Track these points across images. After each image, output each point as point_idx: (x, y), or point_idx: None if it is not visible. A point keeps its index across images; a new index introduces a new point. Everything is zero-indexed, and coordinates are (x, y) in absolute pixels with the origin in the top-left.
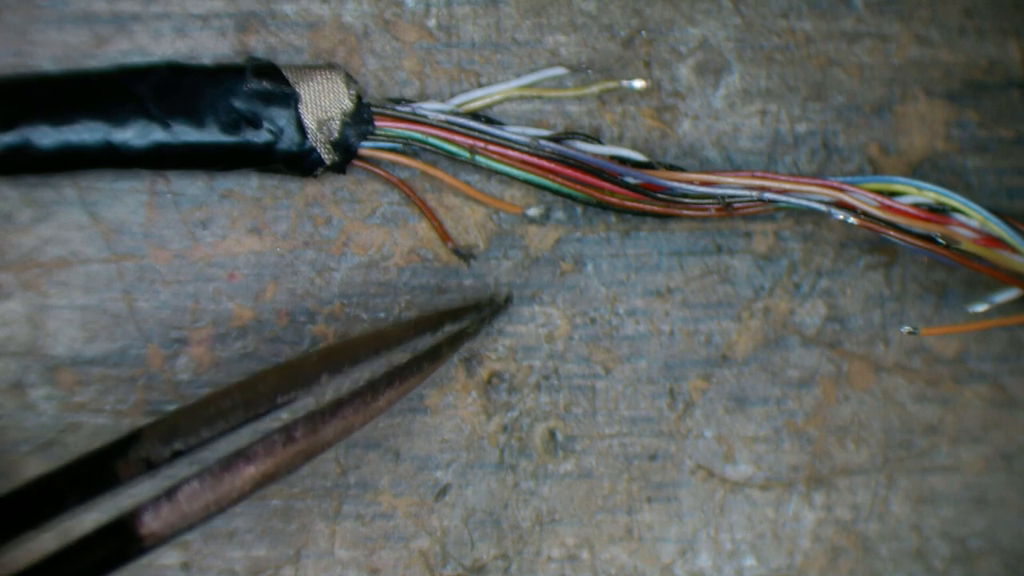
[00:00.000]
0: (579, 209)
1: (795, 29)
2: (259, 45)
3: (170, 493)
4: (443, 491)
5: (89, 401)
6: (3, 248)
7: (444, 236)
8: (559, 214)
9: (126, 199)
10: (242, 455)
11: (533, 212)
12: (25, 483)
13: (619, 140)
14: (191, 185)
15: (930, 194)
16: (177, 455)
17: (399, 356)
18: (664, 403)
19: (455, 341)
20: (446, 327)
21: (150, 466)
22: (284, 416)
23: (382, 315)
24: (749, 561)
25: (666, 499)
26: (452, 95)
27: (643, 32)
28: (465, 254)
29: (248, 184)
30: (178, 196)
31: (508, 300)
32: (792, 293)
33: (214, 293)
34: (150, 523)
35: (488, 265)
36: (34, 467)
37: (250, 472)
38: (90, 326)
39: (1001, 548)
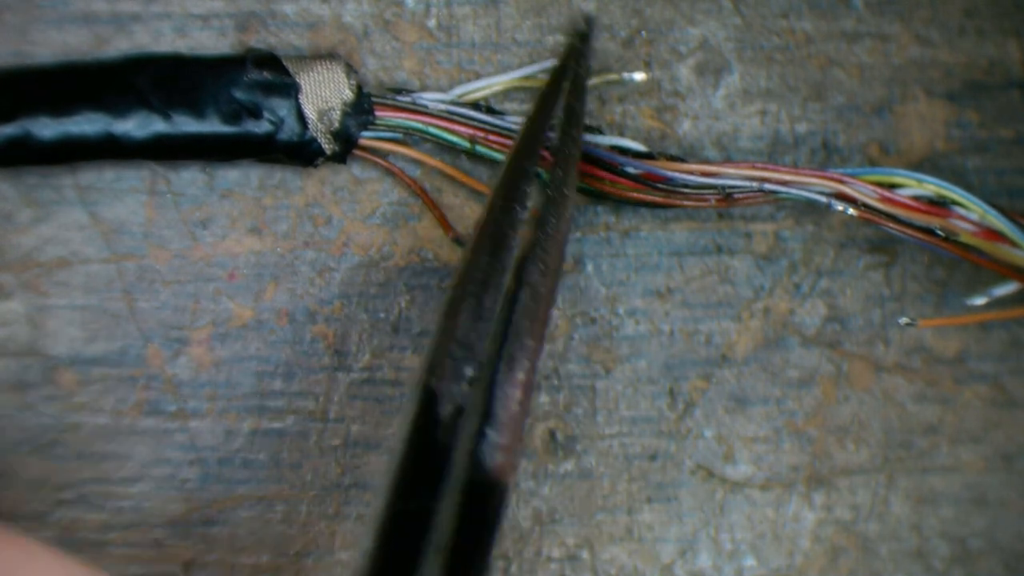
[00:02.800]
0: (579, 209)
1: (795, 29)
2: (259, 45)
3: (490, 418)
4: None
5: (89, 401)
6: (3, 248)
7: (446, 226)
8: None
9: (126, 199)
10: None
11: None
12: None
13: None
14: (191, 185)
15: (930, 187)
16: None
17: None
18: (664, 403)
19: (580, 95)
20: (563, 90)
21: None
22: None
23: (382, 315)
24: (749, 561)
25: (666, 499)
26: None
27: (643, 32)
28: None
29: (248, 184)
30: (178, 196)
31: (590, 24)
32: (792, 293)
33: (214, 293)
34: (499, 461)
35: None
36: (34, 467)
37: (532, 332)
38: (90, 326)
39: (1001, 548)
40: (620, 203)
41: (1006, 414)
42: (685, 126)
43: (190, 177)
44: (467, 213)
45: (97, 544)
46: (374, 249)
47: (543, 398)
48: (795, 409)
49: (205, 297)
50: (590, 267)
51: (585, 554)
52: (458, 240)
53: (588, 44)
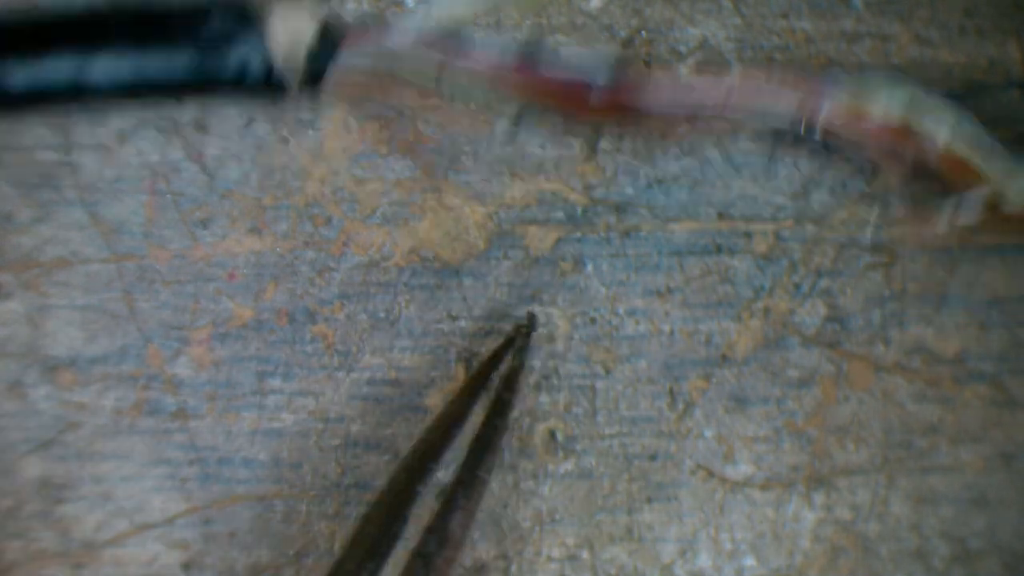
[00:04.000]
0: (579, 209)
1: (795, 29)
2: None
3: None
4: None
5: (89, 401)
6: (3, 248)
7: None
8: (559, 214)
9: (126, 199)
10: None
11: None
12: None
13: (619, 140)
14: (191, 185)
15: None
16: None
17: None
18: (664, 403)
19: (511, 385)
20: (494, 379)
21: None
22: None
23: (382, 315)
24: (749, 561)
25: (666, 499)
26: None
27: (643, 32)
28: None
29: (248, 184)
30: (178, 196)
31: (531, 321)
32: (792, 293)
33: (214, 293)
34: None
35: (488, 265)
36: (34, 467)
37: None
38: (90, 326)
39: (1001, 548)
40: (591, 123)
41: (1006, 414)
42: (685, 126)
43: (190, 177)
44: (467, 214)
45: (97, 544)
46: (374, 249)
47: (543, 398)
48: (795, 409)
49: (205, 297)
50: (590, 267)
51: (585, 554)
52: None
53: (528, 339)
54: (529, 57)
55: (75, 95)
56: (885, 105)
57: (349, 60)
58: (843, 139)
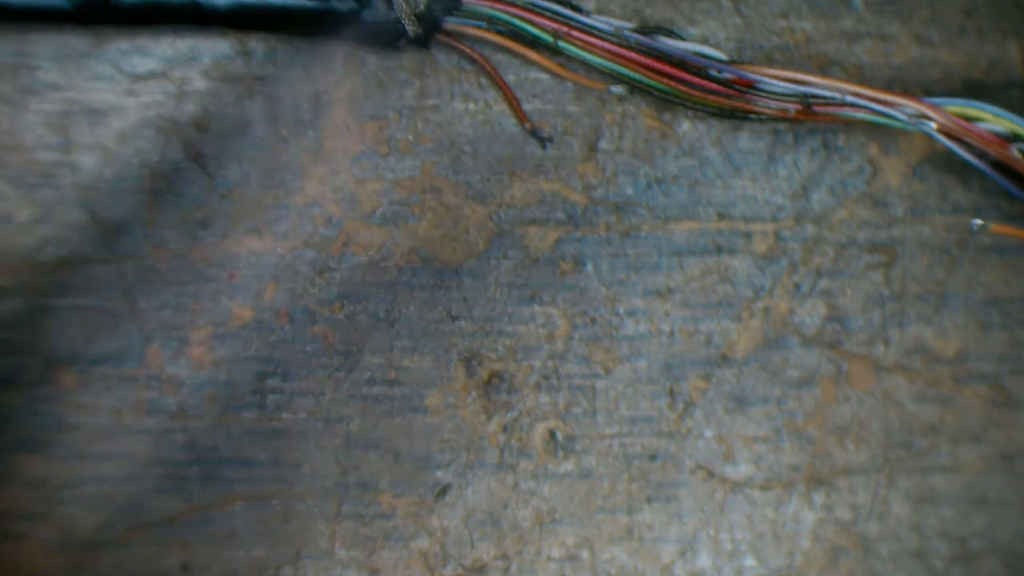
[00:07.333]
0: (579, 209)
1: (795, 29)
2: (259, 45)
3: None
4: (443, 491)
5: (89, 401)
6: (3, 248)
7: (521, 115)
8: (559, 214)
9: (126, 199)
10: None
11: (617, 90)
12: None
13: (619, 140)
14: (191, 185)
15: (1005, 123)
16: None
17: None
18: (664, 403)
19: None
20: None
21: None
22: None
23: (382, 315)
24: (749, 561)
25: (666, 499)
26: None
27: None
28: (542, 136)
29: (248, 184)
30: (178, 196)
31: None
32: (792, 293)
33: (214, 293)
34: None
35: (488, 265)
36: (34, 467)
37: None
38: (90, 326)
39: (1001, 548)
40: (699, 108)
41: (1006, 414)
42: (685, 127)
43: (190, 177)
44: (467, 214)
45: (97, 544)
46: (374, 249)
47: (543, 398)
48: (795, 409)
49: (205, 297)
50: (590, 267)
51: (585, 554)
52: (534, 132)
53: None
54: (645, 42)
55: (187, 16)
56: (994, 115)
57: (469, 13)
58: (956, 140)
